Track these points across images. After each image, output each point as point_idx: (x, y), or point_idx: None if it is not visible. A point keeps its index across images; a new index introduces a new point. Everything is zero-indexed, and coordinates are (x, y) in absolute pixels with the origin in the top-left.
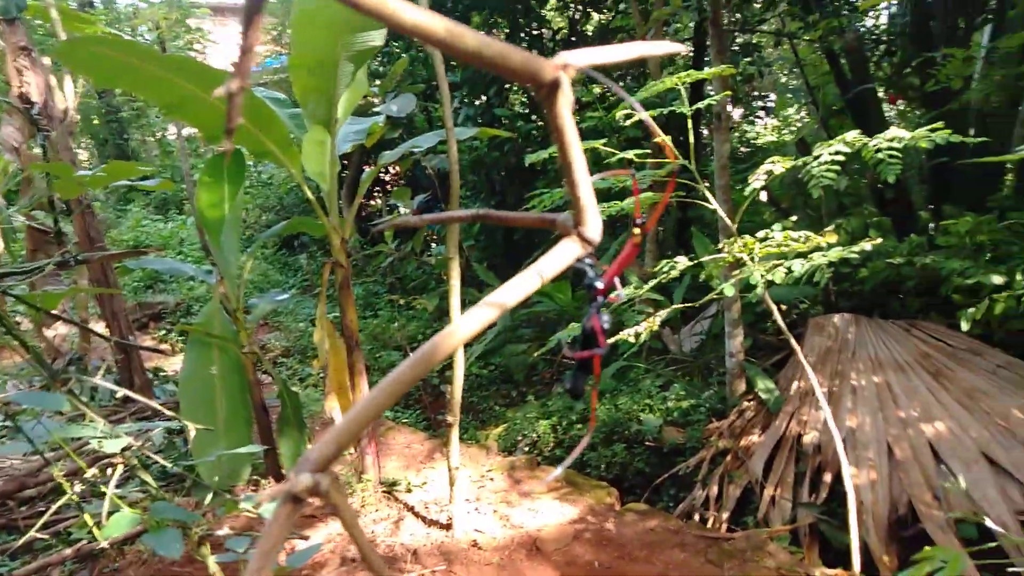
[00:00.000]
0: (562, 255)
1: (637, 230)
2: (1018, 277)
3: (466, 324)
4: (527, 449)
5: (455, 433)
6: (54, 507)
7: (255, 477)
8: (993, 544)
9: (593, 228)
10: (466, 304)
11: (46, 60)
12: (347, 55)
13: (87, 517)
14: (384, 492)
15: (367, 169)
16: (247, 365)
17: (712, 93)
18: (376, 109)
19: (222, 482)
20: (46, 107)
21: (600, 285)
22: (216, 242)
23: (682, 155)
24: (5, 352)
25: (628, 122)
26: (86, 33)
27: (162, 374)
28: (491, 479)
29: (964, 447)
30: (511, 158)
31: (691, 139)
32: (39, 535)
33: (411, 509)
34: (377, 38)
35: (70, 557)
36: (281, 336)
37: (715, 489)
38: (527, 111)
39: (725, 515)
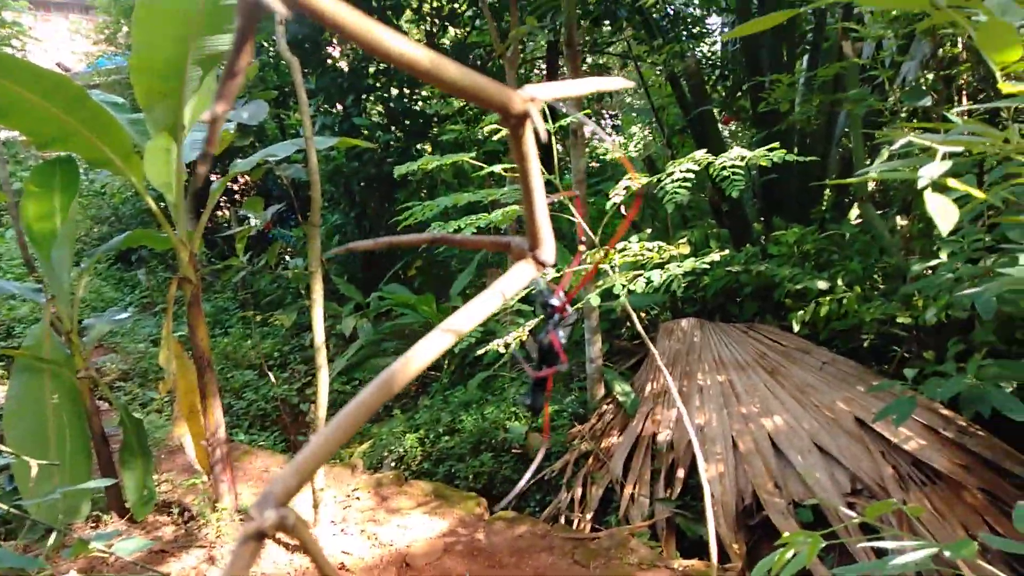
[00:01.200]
0: (519, 276)
1: (583, 247)
2: (839, 282)
3: (424, 350)
4: (394, 465)
5: None
6: None
7: (96, 512)
8: (829, 529)
9: (548, 251)
10: (328, 319)
11: None
12: (195, 58)
13: None
14: (242, 520)
15: (215, 179)
16: (83, 391)
17: (565, 111)
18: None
19: (61, 519)
20: None
21: (556, 303)
22: (46, 257)
23: (545, 170)
24: None
25: (496, 137)
26: None
27: None
28: (357, 498)
29: (799, 438)
30: (371, 168)
31: (555, 155)
32: None
33: (272, 536)
34: (227, 42)
35: None
36: (118, 358)
37: (579, 491)
38: (386, 121)
39: (589, 516)
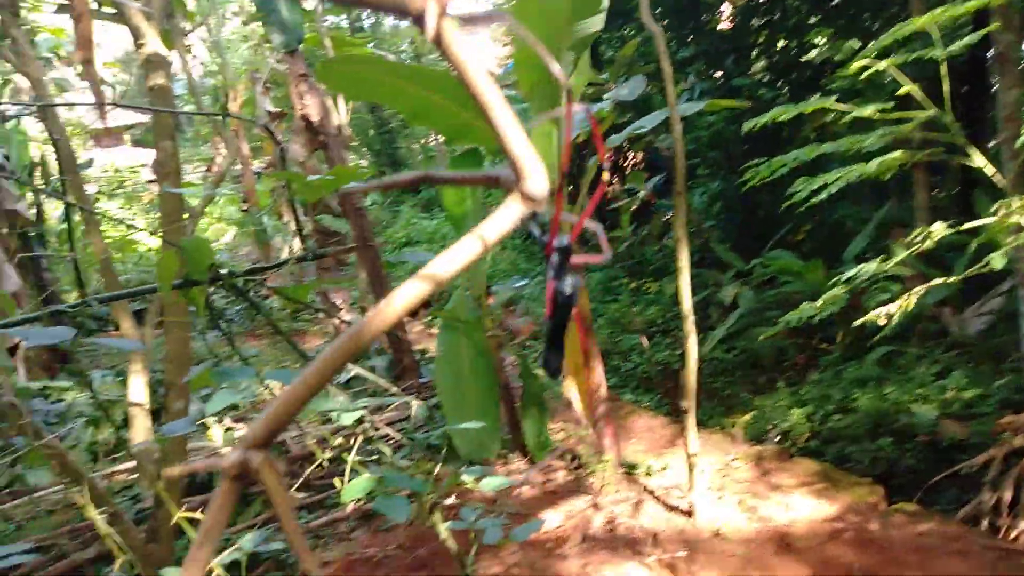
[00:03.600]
0: (504, 216)
1: (606, 175)
2: None
3: (397, 301)
4: (778, 439)
5: (692, 419)
6: (307, 471)
7: (503, 451)
8: None
9: (534, 181)
10: (709, 287)
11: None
12: (567, 45)
13: (336, 482)
14: (624, 474)
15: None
16: (491, 348)
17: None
18: (607, 95)
19: (474, 454)
20: (323, 125)
21: (560, 243)
22: (460, 236)
23: (938, 105)
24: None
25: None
26: (365, 54)
27: (428, 355)
28: (736, 468)
29: None
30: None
31: (945, 87)
32: (330, 493)
33: (651, 493)
34: (595, 24)
35: (352, 515)
36: (530, 320)
37: (1008, 493)
38: (770, 77)
39: (1022, 524)
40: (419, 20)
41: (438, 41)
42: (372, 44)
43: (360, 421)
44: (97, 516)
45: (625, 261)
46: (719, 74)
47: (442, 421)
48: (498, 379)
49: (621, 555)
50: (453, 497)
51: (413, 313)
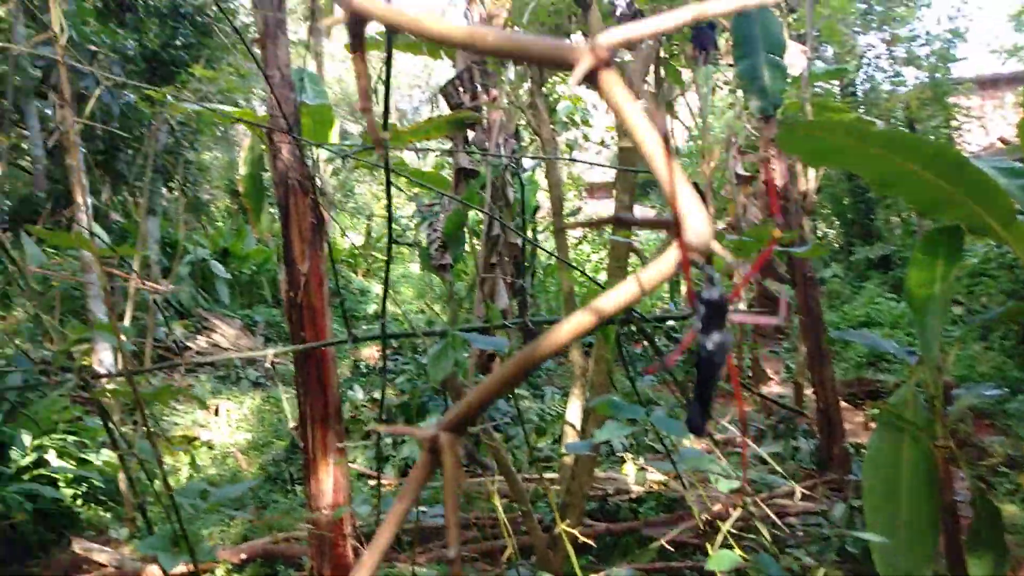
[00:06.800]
0: (662, 263)
1: (778, 232)
2: None
3: (566, 328)
4: None
5: None
6: (676, 530)
7: None
8: None
9: (694, 230)
10: None
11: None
12: None
13: (708, 546)
14: None
15: None
16: (939, 459)
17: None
18: None
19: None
20: (786, 190)
21: (710, 296)
22: (921, 323)
23: None
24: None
25: None
26: (832, 119)
27: (863, 451)
28: None
29: None
30: None
31: None
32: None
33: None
34: None
35: None
36: (1008, 442)
37: None
38: None
39: None
40: (591, 71)
41: (599, 88)
42: (862, 109)
43: (739, 492)
44: (500, 509)
45: None
46: None
47: (863, 527)
48: (942, 499)
49: None
50: None
51: (857, 402)
